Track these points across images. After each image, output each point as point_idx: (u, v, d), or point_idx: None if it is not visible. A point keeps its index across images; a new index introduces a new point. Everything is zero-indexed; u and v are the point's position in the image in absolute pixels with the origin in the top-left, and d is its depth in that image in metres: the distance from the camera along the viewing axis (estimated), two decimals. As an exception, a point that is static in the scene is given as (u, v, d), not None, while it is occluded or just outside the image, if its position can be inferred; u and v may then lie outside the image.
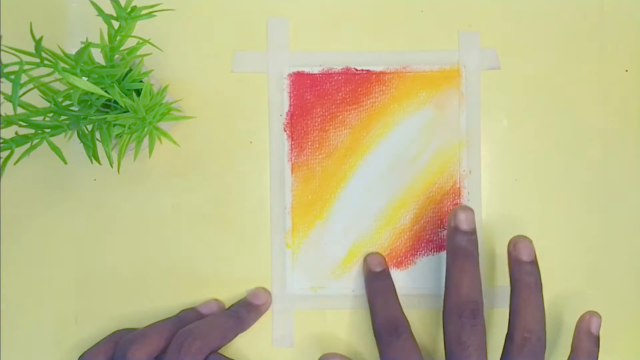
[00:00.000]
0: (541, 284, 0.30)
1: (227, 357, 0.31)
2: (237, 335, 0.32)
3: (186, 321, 0.32)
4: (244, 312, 0.32)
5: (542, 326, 0.30)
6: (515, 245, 0.31)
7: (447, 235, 0.32)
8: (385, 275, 0.33)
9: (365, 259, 0.34)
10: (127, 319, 0.34)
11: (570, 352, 0.31)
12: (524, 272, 0.30)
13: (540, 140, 0.34)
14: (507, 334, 0.30)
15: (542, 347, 0.30)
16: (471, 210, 0.31)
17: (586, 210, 0.32)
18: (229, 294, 0.34)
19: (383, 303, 0.32)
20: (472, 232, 0.31)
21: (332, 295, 0.34)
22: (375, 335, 0.31)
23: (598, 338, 0.31)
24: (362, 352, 0.34)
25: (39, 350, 0.34)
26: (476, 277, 0.30)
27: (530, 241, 0.31)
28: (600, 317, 0.31)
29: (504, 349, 0.30)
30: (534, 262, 0.31)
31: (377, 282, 0.33)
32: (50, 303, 0.34)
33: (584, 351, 0.31)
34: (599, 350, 0.31)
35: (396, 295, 0.32)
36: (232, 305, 0.33)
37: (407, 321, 0.31)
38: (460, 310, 0.30)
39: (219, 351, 0.31)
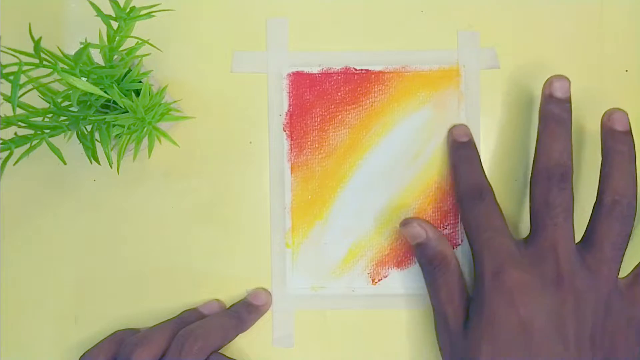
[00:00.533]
0: (635, 155, 0.30)
1: (228, 357, 0.31)
2: (237, 335, 0.32)
3: (187, 322, 0.32)
4: (245, 312, 0.32)
5: (634, 192, 0.29)
6: (610, 116, 0.30)
7: (540, 103, 0.31)
8: (471, 144, 0.33)
9: (450, 130, 0.33)
10: (127, 319, 0.34)
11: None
12: (618, 140, 0.30)
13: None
14: (596, 200, 0.30)
15: (632, 213, 0.29)
16: (567, 79, 0.31)
17: (586, 210, 0.32)
18: (228, 294, 0.34)
19: (468, 169, 0.32)
20: (567, 100, 0.31)
21: (332, 295, 0.34)
22: (458, 201, 0.32)
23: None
24: (362, 352, 0.34)
25: (39, 350, 0.34)
26: (567, 143, 0.30)
27: (626, 113, 0.30)
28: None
29: (592, 213, 0.30)
30: (629, 133, 0.30)
31: (462, 150, 0.32)
32: (50, 303, 0.34)
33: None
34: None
35: (481, 164, 0.32)
36: (233, 305, 0.33)
37: (492, 189, 0.31)
38: (549, 173, 0.29)
39: (220, 351, 0.32)
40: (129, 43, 0.28)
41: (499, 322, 0.29)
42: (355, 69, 0.34)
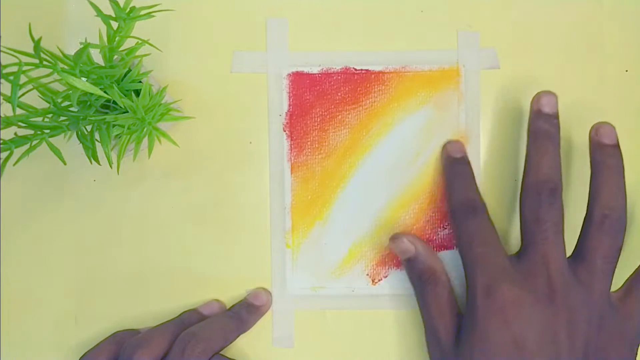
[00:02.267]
0: (623, 168, 0.30)
1: (229, 358, 0.31)
2: (238, 336, 0.32)
3: (188, 323, 0.32)
4: (245, 313, 0.32)
5: (623, 205, 0.29)
6: (598, 129, 0.31)
7: (529, 119, 0.31)
8: (465, 160, 0.33)
9: (444, 146, 0.33)
10: (127, 319, 0.34)
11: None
12: (606, 154, 0.30)
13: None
14: (586, 214, 0.30)
15: (622, 227, 0.29)
16: (554, 94, 0.31)
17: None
18: (228, 294, 0.34)
19: (461, 185, 0.32)
20: (555, 116, 0.31)
21: (332, 295, 0.34)
22: (451, 216, 0.31)
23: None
24: (362, 353, 0.34)
25: (38, 350, 0.34)
26: (556, 159, 0.30)
27: (613, 127, 0.31)
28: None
29: (582, 227, 0.30)
30: (617, 146, 0.30)
31: (457, 166, 0.32)
32: (50, 303, 0.34)
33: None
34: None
35: (475, 181, 0.32)
36: (233, 306, 0.33)
37: (485, 205, 0.31)
38: (538, 188, 0.29)
39: (221, 352, 0.31)
40: (129, 43, 0.28)
41: (491, 339, 0.28)
42: (355, 69, 0.34)
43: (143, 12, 0.27)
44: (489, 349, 0.28)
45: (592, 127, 0.31)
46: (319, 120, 0.34)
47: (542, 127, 0.30)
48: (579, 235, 0.30)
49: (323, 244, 0.34)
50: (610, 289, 0.30)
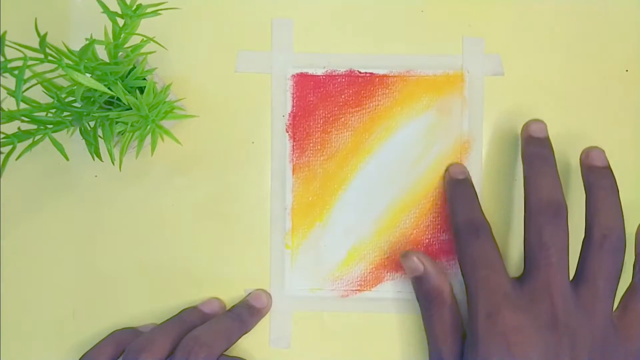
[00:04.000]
0: (617, 188, 0.30)
1: (233, 357, 0.31)
2: (240, 337, 0.32)
3: (188, 321, 0.32)
4: (247, 315, 0.32)
5: (621, 225, 0.29)
6: (588, 154, 0.31)
7: (521, 147, 0.32)
8: (468, 182, 0.33)
9: (447, 169, 0.33)
10: (126, 316, 0.34)
11: (635, 257, 0.31)
12: (599, 176, 0.30)
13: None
14: (584, 237, 0.30)
15: (622, 246, 0.29)
16: (543, 122, 0.31)
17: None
18: (227, 293, 0.34)
19: (465, 205, 0.32)
20: (547, 140, 0.31)
21: (330, 297, 0.34)
22: (454, 236, 0.31)
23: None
24: (358, 355, 0.34)
25: (38, 347, 0.34)
26: (556, 180, 0.30)
27: (603, 150, 0.31)
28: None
29: (581, 250, 0.30)
30: (608, 168, 0.30)
31: (460, 187, 0.32)
32: (49, 299, 0.34)
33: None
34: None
35: (479, 202, 0.32)
36: (234, 306, 0.33)
37: (489, 225, 0.31)
38: (541, 210, 0.29)
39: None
40: (134, 40, 0.28)
41: None
42: (360, 72, 0.34)
43: (149, 9, 0.27)
44: None
45: (582, 152, 0.31)
46: (321, 122, 0.34)
47: (536, 150, 0.31)
48: (579, 257, 0.30)
49: (323, 245, 0.34)
50: (612, 310, 0.29)
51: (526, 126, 0.32)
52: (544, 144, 0.31)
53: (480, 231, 0.30)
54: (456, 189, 0.32)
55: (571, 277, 0.30)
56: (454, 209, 0.32)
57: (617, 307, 0.30)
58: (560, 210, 0.29)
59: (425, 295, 0.31)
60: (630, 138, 0.34)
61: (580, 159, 0.31)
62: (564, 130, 0.34)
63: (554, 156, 0.31)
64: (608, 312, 0.29)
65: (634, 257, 0.31)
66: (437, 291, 0.31)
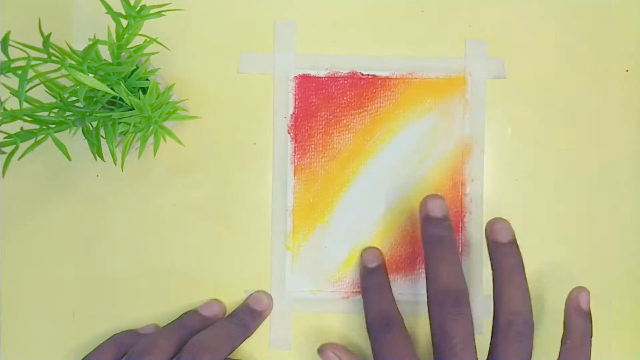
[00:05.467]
0: (522, 265, 0.29)
1: None
2: (243, 341, 0.32)
3: (189, 325, 0.32)
4: (249, 319, 0.32)
5: (528, 307, 0.29)
6: (492, 227, 0.30)
7: (420, 227, 0.31)
8: (379, 270, 0.32)
9: (361, 254, 0.33)
10: (126, 317, 0.34)
11: (563, 332, 0.30)
12: (503, 253, 0.29)
13: (543, 149, 0.34)
14: (493, 319, 0.29)
15: (529, 329, 0.28)
16: (441, 197, 0.30)
17: (588, 211, 0.32)
18: (228, 294, 0.34)
19: (376, 298, 0.31)
20: (445, 218, 0.30)
21: (330, 299, 0.34)
22: (367, 331, 0.31)
23: (589, 313, 0.30)
24: (359, 356, 0.34)
25: (38, 348, 0.34)
26: (455, 264, 0.29)
27: (508, 222, 0.30)
28: (589, 292, 0.30)
29: (491, 333, 0.29)
30: (513, 243, 0.30)
31: (371, 277, 0.32)
32: (49, 298, 0.34)
33: (576, 329, 0.29)
34: (592, 326, 0.30)
35: (390, 290, 0.31)
36: (235, 311, 0.33)
37: (401, 316, 0.30)
38: (441, 299, 0.28)
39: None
40: (137, 41, 0.28)
41: None
42: (362, 74, 0.34)
43: (153, 10, 0.27)
44: None
45: (487, 225, 0.30)
46: (323, 123, 0.34)
47: (433, 232, 0.30)
48: (490, 341, 0.29)
49: (323, 247, 0.34)
50: None
51: (423, 203, 0.31)
52: (441, 223, 0.30)
53: (390, 324, 0.30)
54: (369, 278, 0.32)
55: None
56: (365, 301, 0.32)
57: None
58: (460, 298, 0.28)
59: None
60: (631, 138, 0.34)
61: (485, 232, 0.31)
62: (565, 130, 0.34)
63: (453, 235, 0.30)
64: None
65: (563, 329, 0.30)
66: None
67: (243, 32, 0.34)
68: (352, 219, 0.34)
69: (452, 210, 0.34)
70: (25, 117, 0.26)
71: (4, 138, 0.26)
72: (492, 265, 0.30)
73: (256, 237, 0.34)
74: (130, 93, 0.27)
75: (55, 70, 0.25)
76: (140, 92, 0.29)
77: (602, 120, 0.34)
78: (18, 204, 0.34)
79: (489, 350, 0.29)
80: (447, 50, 0.34)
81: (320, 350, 0.31)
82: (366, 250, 0.33)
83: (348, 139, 0.34)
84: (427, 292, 0.29)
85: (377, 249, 0.33)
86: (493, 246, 0.30)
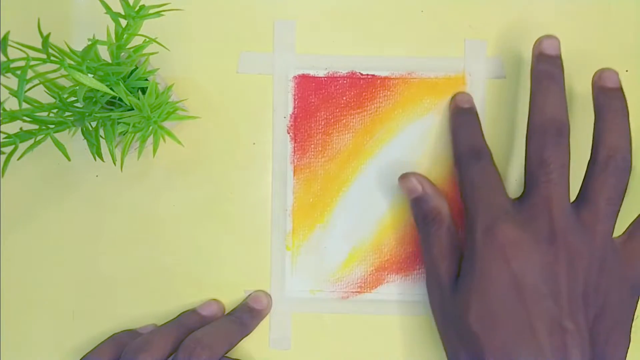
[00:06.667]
0: (628, 111, 0.29)
1: (232, 359, 0.31)
2: (241, 340, 0.32)
3: (187, 324, 0.32)
4: (248, 317, 0.32)
5: (628, 146, 0.29)
6: (601, 74, 0.30)
7: (531, 64, 0.31)
8: (473, 111, 0.32)
9: (453, 97, 0.33)
10: (125, 317, 0.34)
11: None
12: (610, 97, 0.29)
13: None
14: (590, 158, 0.29)
15: (627, 167, 0.28)
16: (556, 37, 0.31)
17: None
18: (227, 294, 0.34)
19: (468, 133, 0.31)
20: (557, 57, 0.30)
21: (330, 299, 0.34)
22: (455, 163, 0.31)
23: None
24: (358, 357, 0.34)
25: (38, 348, 0.34)
26: (562, 98, 0.29)
27: (616, 72, 0.30)
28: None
29: (586, 171, 0.29)
30: (620, 89, 0.30)
31: (464, 116, 0.32)
32: (48, 299, 0.34)
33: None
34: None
35: (482, 130, 0.32)
36: (234, 309, 0.33)
37: (491, 153, 0.31)
38: (544, 127, 0.29)
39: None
40: (137, 41, 0.28)
41: (489, 277, 0.28)
42: (361, 74, 0.34)
43: (152, 10, 0.27)
44: (487, 288, 0.28)
45: (595, 73, 0.31)
46: (323, 123, 0.34)
47: (544, 68, 0.30)
48: (583, 179, 0.29)
49: (323, 247, 0.34)
50: (612, 232, 0.29)
51: (538, 42, 0.31)
52: (554, 61, 0.30)
53: (481, 155, 0.30)
54: (461, 117, 0.32)
55: (575, 198, 0.30)
56: (456, 136, 0.32)
57: (624, 232, 0.30)
58: (562, 130, 0.29)
59: (423, 215, 0.31)
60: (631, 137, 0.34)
61: (592, 80, 0.31)
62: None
63: (563, 74, 0.30)
64: (608, 234, 0.29)
65: None
66: (436, 211, 0.31)
67: (242, 32, 0.34)
68: (352, 219, 0.34)
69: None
70: (25, 118, 0.26)
71: (4, 138, 0.26)
72: (595, 109, 0.30)
73: (256, 237, 0.34)
74: (129, 93, 0.27)
75: (54, 71, 0.25)
76: (140, 92, 0.29)
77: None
78: (18, 204, 0.34)
79: (582, 184, 0.29)
80: (447, 50, 0.34)
81: (403, 177, 0.32)
82: (459, 93, 0.33)
83: (347, 139, 0.34)
84: (528, 124, 0.30)
85: (469, 95, 0.33)
86: (600, 91, 0.30)
